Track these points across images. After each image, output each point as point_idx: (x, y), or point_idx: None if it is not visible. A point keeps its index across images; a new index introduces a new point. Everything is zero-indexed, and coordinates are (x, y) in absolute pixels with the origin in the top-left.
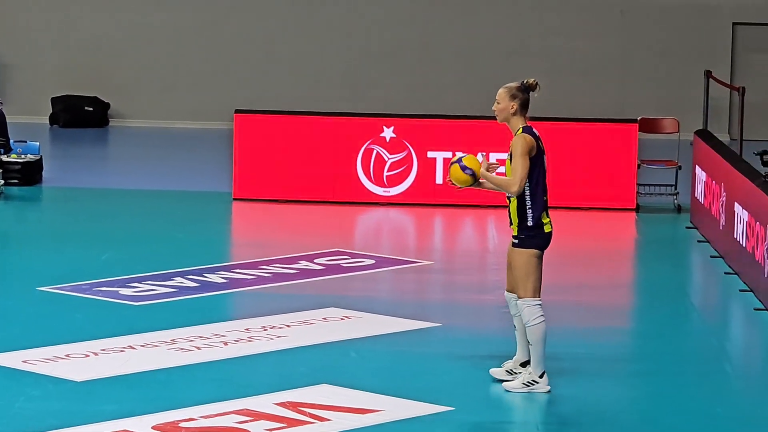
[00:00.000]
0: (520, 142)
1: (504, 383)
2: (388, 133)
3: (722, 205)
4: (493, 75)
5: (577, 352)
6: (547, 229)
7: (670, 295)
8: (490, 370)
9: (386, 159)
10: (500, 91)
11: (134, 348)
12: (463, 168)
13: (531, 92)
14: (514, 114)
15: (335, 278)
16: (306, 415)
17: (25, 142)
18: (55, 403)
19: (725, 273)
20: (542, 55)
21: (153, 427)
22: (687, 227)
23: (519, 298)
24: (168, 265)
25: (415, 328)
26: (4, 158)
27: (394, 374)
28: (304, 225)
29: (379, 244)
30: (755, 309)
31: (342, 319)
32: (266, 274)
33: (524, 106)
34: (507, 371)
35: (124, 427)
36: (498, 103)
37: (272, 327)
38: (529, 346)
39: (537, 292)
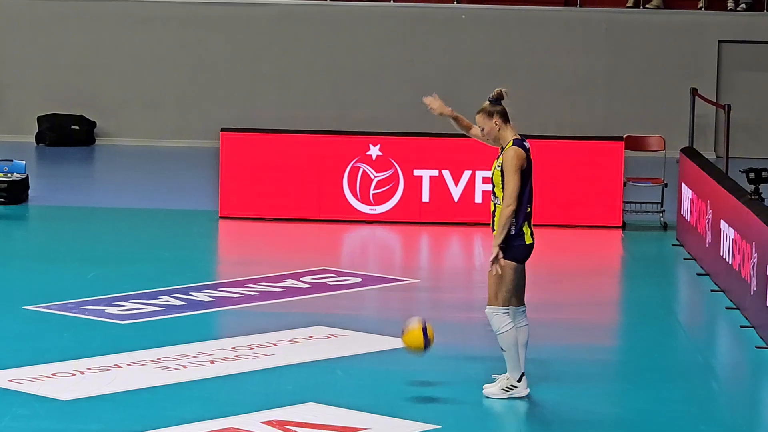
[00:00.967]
0: (513, 159)
1: (484, 390)
2: (374, 151)
3: (708, 222)
4: (479, 93)
5: (562, 369)
6: (528, 240)
7: (656, 312)
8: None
9: (372, 177)
10: (477, 117)
11: (121, 367)
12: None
13: (502, 101)
14: (500, 129)
15: (322, 296)
16: None
17: (11, 160)
18: (41, 422)
19: (711, 290)
20: (528, 72)
21: None
22: (673, 245)
23: (488, 304)
24: (154, 284)
25: (401, 347)
26: None
27: (380, 392)
28: (290, 243)
29: (365, 262)
30: (741, 326)
31: (328, 337)
32: (253, 293)
33: (505, 117)
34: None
35: None
36: (482, 128)
37: (258, 345)
38: (503, 353)
39: (507, 302)
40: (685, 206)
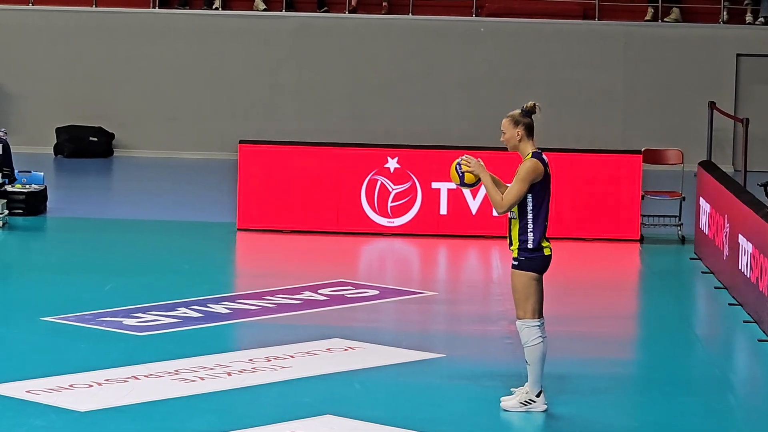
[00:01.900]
0: (526, 168)
1: (502, 403)
2: (392, 163)
3: (726, 236)
4: (496, 106)
5: (579, 381)
6: (546, 252)
7: (673, 325)
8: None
9: (390, 190)
10: (504, 121)
11: (138, 378)
12: (461, 174)
13: (533, 115)
14: (521, 140)
15: (339, 309)
16: None
17: (30, 172)
18: None
19: (729, 304)
20: (546, 86)
21: None
22: (691, 258)
23: (518, 318)
24: (172, 296)
25: (419, 359)
26: (9, 188)
27: (397, 405)
28: (308, 255)
29: (383, 274)
30: (759, 340)
31: (346, 349)
32: (270, 305)
33: (530, 131)
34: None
35: None
36: (504, 133)
37: (276, 357)
38: (527, 366)
39: (536, 314)
40: (703, 220)
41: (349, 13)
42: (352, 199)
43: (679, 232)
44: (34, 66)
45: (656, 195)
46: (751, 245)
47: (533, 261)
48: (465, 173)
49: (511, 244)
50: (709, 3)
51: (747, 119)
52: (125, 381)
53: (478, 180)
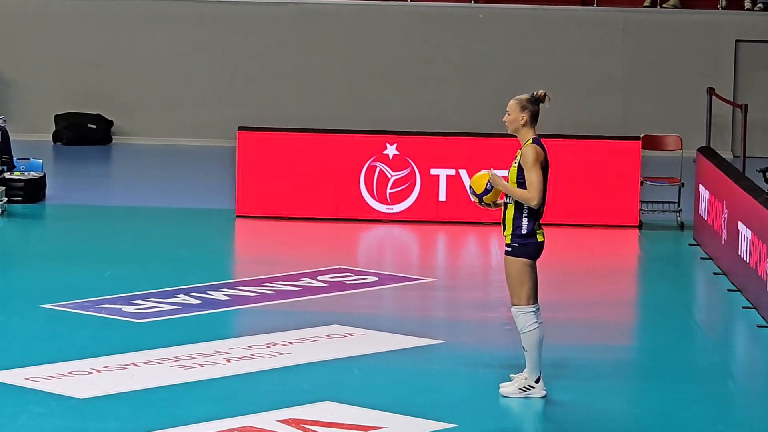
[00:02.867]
0: (532, 153)
1: (501, 389)
2: (391, 150)
3: (725, 221)
4: (495, 92)
5: (579, 368)
6: (539, 238)
7: (672, 312)
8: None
9: (389, 176)
10: (511, 102)
11: (137, 365)
12: (489, 189)
13: (541, 104)
14: (524, 125)
15: (338, 295)
16: None
17: (29, 159)
18: (57, 421)
19: (728, 290)
20: (545, 72)
21: None
22: (690, 244)
23: (513, 305)
24: (171, 283)
25: (418, 345)
26: (8, 176)
27: (397, 391)
28: (307, 242)
29: (382, 261)
30: (758, 326)
31: (345, 336)
32: (269, 292)
33: (534, 118)
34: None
35: None
36: (508, 114)
37: (275, 344)
38: (524, 352)
39: (531, 299)
40: (702, 206)
41: None
42: (351, 186)
43: (678, 218)
44: (33, 53)
45: (655, 181)
46: (750, 231)
47: (526, 247)
48: (490, 191)
49: (504, 228)
50: None
51: (746, 105)
52: (124, 368)
53: (494, 203)
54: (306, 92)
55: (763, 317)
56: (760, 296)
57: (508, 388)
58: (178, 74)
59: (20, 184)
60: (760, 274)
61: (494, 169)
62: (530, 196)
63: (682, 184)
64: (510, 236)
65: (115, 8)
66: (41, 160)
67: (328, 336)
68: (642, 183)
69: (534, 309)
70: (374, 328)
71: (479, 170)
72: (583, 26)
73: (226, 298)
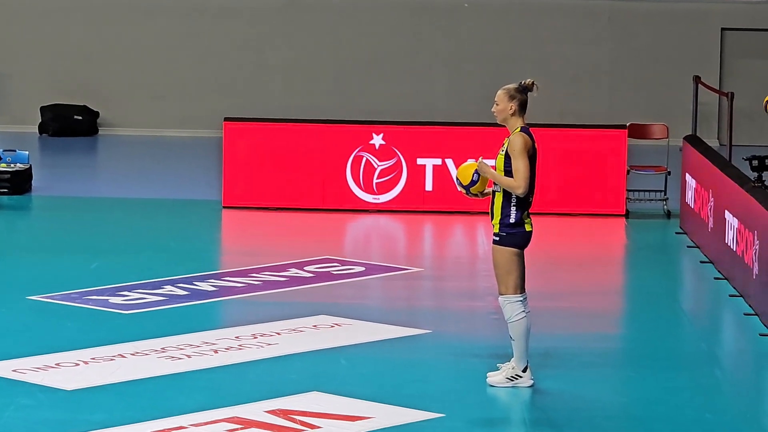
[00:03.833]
0: (519, 141)
1: (488, 378)
2: (377, 140)
3: (711, 210)
4: (482, 82)
5: (566, 357)
6: (527, 227)
7: (659, 300)
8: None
9: (376, 166)
10: (499, 92)
11: (124, 356)
12: (475, 180)
13: (529, 93)
14: (513, 115)
15: (325, 285)
16: (296, 423)
17: (14, 151)
18: (45, 412)
19: (715, 278)
20: (531, 61)
21: None
22: (677, 233)
23: (500, 294)
24: (158, 274)
25: (405, 335)
26: None
27: (384, 381)
28: (293, 232)
29: (369, 251)
30: (745, 314)
31: (332, 326)
32: (256, 282)
33: (522, 107)
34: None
35: None
36: (497, 104)
37: (262, 335)
38: (511, 341)
39: (518, 289)
40: (689, 194)
41: None
42: (338, 176)
43: (665, 207)
44: (18, 45)
45: (642, 170)
46: (736, 220)
47: (514, 236)
48: (476, 182)
49: (492, 217)
50: None
51: (732, 93)
52: (112, 359)
53: (481, 193)
54: (292, 83)
55: (749, 305)
56: (746, 284)
57: (495, 378)
58: (164, 65)
59: (6, 176)
60: (746, 261)
61: (480, 157)
62: (516, 184)
63: (669, 173)
64: (498, 225)
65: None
66: (27, 152)
67: (315, 326)
68: (628, 172)
69: (521, 298)
70: (361, 318)
71: (466, 160)
72: (569, 15)
73: (213, 288)
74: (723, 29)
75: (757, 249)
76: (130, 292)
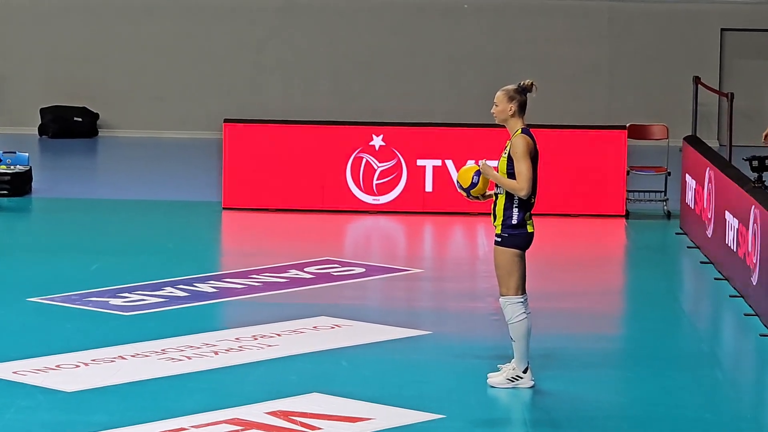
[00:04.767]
0: (521, 143)
1: (489, 379)
2: (377, 141)
3: (712, 210)
4: (481, 82)
5: (567, 358)
6: (529, 229)
7: (659, 301)
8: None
9: (376, 167)
10: (498, 93)
11: (125, 358)
12: (475, 182)
13: (528, 93)
14: (513, 116)
15: (326, 287)
16: (297, 424)
17: (14, 153)
18: (45, 414)
19: (715, 278)
20: (530, 61)
21: None
22: (677, 233)
23: (501, 295)
24: (158, 275)
25: (405, 336)
26: None
27: (385, 382)
28: (293, 234)
29: (369, 252)
30: (745, 314)
31: (332, 327)
32: (256, 283)
33: (522, 108)
34: (509, 379)
35: None
36: (496, 105)
37: (263, 336)
38: (512, 342)
39: (519, 290)
40: (689, 195)
41: None
42: (338, 177)
43: (665, 208)
44: (17, 46)
45: (641, 170)
46: (737, 220)
47: (516, 238)
48: (476, 184)
49: (494, 219)
50: None
51: (732, 94)
52: (112, 361)
53: (482, 196)
54: (292, 84)
55: (749, 305)
56: (746, 285)
57: (496, 379)
58: (163, 67)
59: (6, 178)
60: (747, 263)
61: (481, 159)
62: (519, 186)
63: (669, 173)
64: (500, 226)
65: (100, 1)
66: (27, 154)
67: (315, 327)
68: (628, 172)
69: (522, 299)
70: (362, 319)
71: (466, 161)
72: (569, 16)
73: (214, 290)
74: (723, 29)
75: (758, 249)
76: (130, 293)
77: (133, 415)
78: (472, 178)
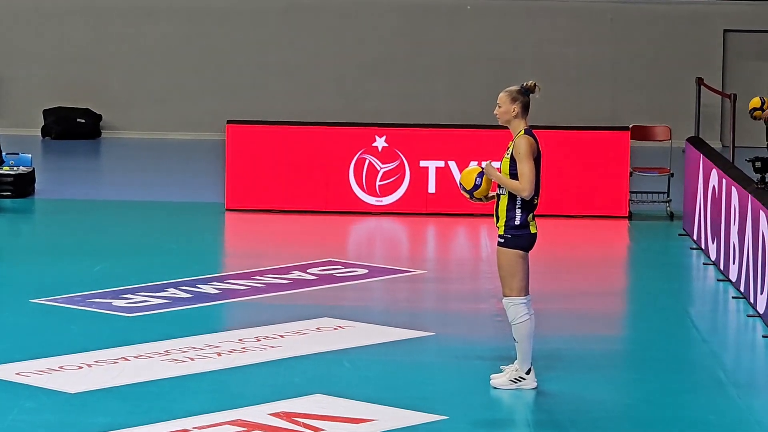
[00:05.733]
0: (524, 145)
1: (492, 380)
2: (380, 142)
3: (713, 211)
4: (484, 84)
5: (570, 359)
6: (532, 230)
7: (663, 302)
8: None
9: (379, 168)
10: (501, 94)
11: (128, 359)
12: (478, 184)
13: (531, 95)
14: (516, 117)
15: (328, 288)
16: (300, 425)
17: (17, 154)
18: (48, 415)
19: (718, 280)
20: (534, 63)
21: None
22: (679, 234)
23: (504, 296)
24: (161, 276)
25: (408, 338)
26: None
27: (387, 384)
28: (296, 235)
29: (372, 253)
30: (748, 315)
31: (335, 328)
32: (259, 285)
33: (525, 109)
34: (512, 380)
35: None
36: (499, 106)
37: (266, 337)
38: (515, 343)
39: (522, 291)
40: (691, 196)
41: None
42: (341, 178)
43: (668, 209)
44: (21, 48)
45: (644, 171)
46: (739, 221)
47: (519, 238)
48: (479, 186)
49: (497, 220)
50: None
51: (735, 95)
52: (115, 362)
53: (485, 197)
54: (295, 85)
55: (752, 306)
56: (749, 286)
57: (499, 380)
58: (166, 68)
59: (9, 179)
60: (750, 263)
61: (484, 160)
62: (522, 187)
63: (672, 174)
64: (503, 227)
65: (103, 2)
66: (30, 155)
67: (318, 329)
68: (631, 173)
69: (525, 300)
70: (364, 320)
71: (469, 162)
72: (572, 17)
73: (217, 291)
74: (726, 31)
75: (761, 250)
76: (133, 294)
77: (136, 416)
78: (475, 180)
